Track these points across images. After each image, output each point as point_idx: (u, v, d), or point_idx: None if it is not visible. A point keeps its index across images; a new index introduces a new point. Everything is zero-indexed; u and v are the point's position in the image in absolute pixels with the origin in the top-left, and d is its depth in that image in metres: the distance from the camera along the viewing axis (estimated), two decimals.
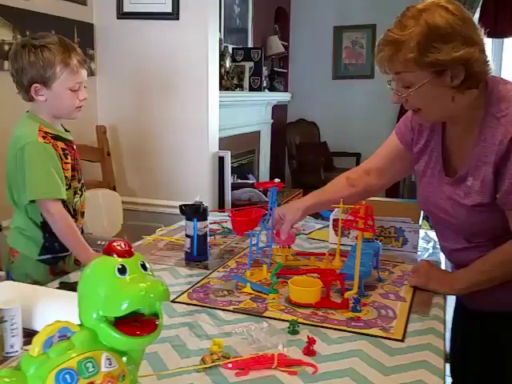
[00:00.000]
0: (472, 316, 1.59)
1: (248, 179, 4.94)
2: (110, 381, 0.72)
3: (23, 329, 1.16)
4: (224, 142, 3.55)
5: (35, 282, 1.60)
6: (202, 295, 1.49)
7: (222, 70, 4.27)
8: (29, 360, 0.70)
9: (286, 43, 6.56)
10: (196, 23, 3.02)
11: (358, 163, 6.08)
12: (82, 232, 1.89)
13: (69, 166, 1.78)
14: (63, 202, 1.74)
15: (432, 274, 1.54)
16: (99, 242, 1.97)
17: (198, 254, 1.78)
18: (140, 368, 0.83)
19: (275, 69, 6.29)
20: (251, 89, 5.03)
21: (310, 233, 2.16)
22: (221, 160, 3.26)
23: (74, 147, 1.86)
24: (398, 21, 1.34)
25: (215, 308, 1.41)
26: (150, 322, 0.77)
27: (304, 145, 6.60)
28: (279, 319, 1.34)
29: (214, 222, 2.20)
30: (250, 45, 5.59)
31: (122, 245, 0.79)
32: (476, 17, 5.50)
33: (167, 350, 1.17)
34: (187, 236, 1.79)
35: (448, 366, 1.67)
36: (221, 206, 3.24)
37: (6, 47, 2.50)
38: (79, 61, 1.73)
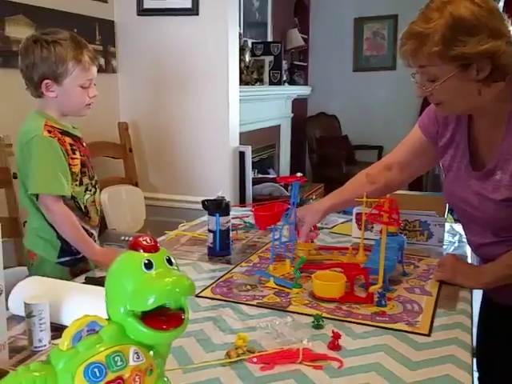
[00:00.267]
0: (499, 310, 1.57)
1: (268, 174, 4.92)
2: (137, 374, 0.72)
3: (51, 323, 1.17)
4: (244, 137, 3.54)
5: None
6: (225, 290, 1.49)
7: (242, 65, 4.27)
8: (58, 354, 0.71)
9: (305, 36, 6.53)
10: (216, 18, 3.02)
11: (380, 156, 6.04)
12: (103, 229, 1.90)
13: (77, 162, 1.76)
14: (73, 198, 1.73)
15: (458, 267, 1.53)
16: (123, 238, 1.98)
17: (220, 249, 1.79)
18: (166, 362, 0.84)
19: (295, 62, 6.27)
20: (271, 83, 5.01)
21: (332, 227, 2.15)
22: (241, 155, 3.26)
23: (84, 144, 1.84)
24: (421, 13, 1.31)
25: (239, 302, 1.41)
26: (176, 317, 0.77)
27: (325, 138, 6.56)
28: (303, 314, 1.34)
29: (236, 217, 2.20)
30: (270, 39, 5.57)
31: (148, 240, 0.79)
32: (500, 5, 5.41)
33: (192, 344, 1.17)
34: (210, 231, 1.79)
35: (475, 360, 1.65)
36: (242, 201, 3.24)
37: None
38: (90, 57, 1.72)
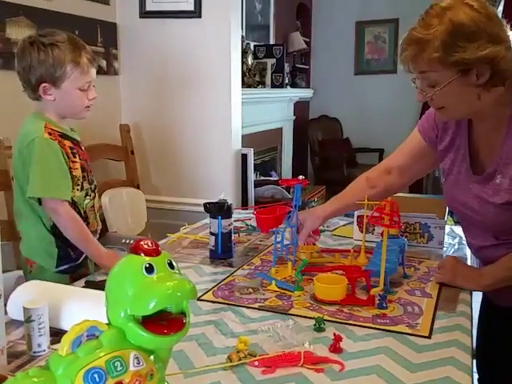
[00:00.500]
0: (498, 312, 1.58)
1: (271, 176, 4.93)
2: (138, 379, 0.72)
3: (50, 328, 1.16)
4: (246, 139, 3.54)
5: None
6: (227, 293, 1.49)
7: (244, 67, 4.27)
8: (57, 359, 0.71)
9: (307, 39, 6.53)
10: (218, 21, 3.02)
11: (381, 159, 6.04)
12: (104, 232, 1.88)
13: (77, 166, 1.72)
14: (74, 202, 1.70)
15: (458, 270, 1.53)
16: (124, 241, 1.97)
17: (222, 252, 1.79)
18: (167, 366, 0.83)
19: (297, 65, 6.27)
20: (273, 85, 5.01)
21: (334, 229, 2.15)
22: (244, 157, 3.26)
23: (82, 148, 1.80)
24: (421, 19, 1.32)
25: (240, 306, 1.41)
26: (178, 321, 0.77)
27: (326, 141, 6.57)
28: (305, 316, 1.34)
29: (238, 220, 2.20)
30: (272, 41, 5.58)
31: (149, 243, 0.79)
32: (500, 9, 5.39)
33: (193, 348, 1.17)
34: (212, 234, 1.79)
35: (474, 361, 1.65)
36: (244, 204, 3.24)
37: None
38: (89, 59, 1.68)
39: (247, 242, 1.99)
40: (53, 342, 1.16)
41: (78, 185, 1.72)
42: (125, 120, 3.28)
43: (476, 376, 1.67)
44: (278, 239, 1.69)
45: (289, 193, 3.68)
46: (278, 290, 1.51)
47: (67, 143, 1.71)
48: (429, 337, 1.24)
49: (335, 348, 1.16)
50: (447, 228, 2.03)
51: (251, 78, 4.49)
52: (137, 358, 0.73)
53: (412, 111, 5.87)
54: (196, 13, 3.03)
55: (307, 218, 1.74)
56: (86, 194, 1.76)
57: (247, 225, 2.18)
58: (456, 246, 1.93)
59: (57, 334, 1.16)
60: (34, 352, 1.14)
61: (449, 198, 1.59)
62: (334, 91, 6.79)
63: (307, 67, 6.77)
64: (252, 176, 3.33)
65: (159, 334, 0.74)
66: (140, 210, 3.05)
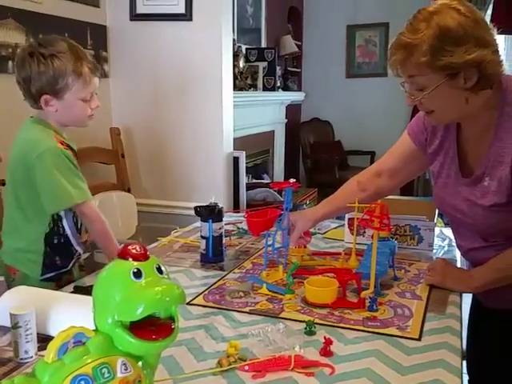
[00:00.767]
0: (488, 314, 1.58)
1: (262, 179, 4.93)
2: None
3: (37, 334, 1.15)
4: (238, 142, 3.54)
5: None
6: (217, 297, 1.49)
7: (236, 71, 4.27)
8: (43, 367, 0.70)
9: (299, 43, 6.55)
10: (209, 24, 3.02)
11: (372, 161, 6.05)
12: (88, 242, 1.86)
13: (80, 175, 1.69)
14: (74, 213, 1.69)
15: (448, 272, 1.54)
16: None
17: (213, 256, 1.78)
18: (156, 372, 0.83)
19: (289, 68, 6.28)
20: (265, 89, 5.02)
21: (325, 232, 2.15)
22: (235, 160, 3.25)
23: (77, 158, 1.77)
24: (409, 24, 1.32)
25: (231, 310, 1.40)
26: (166, 326, 0.77)
27: (318, 144, 6.59)
28: (296, 320, 1.33)
29: (229, 223, 2.19)
30: (264, 45, 5.58)
31: (138, 248, 0.78)
32: (488, 13, 5.43)
33: (183, 354, 1.16)
34: (202, 237, 1.79)
35: (464, 363, 1.66)
36: (235, 207, 3.23)
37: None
38: (91, 69, 1.63)
39: (238, 245, 1.99)
40: (40, 349, 1.15)
41: None
42: (115, 123, 3.26)
43: (466, 378, 1.67)
44: (269, 242, 1.68)
45: (281, 195, 3.68)
46: (268, 293, 1.50)
47: (71, 153, 1.68)
48: (419, 339, 1.24)
49: (326, 351, 1.16)
50: (437, 230, 2.03)
51: (243, 81, 4.50)
52: (124, 364, 0.72)
53: (402, 114, 5.89)
54: (187, 16, 3.03)
55: (298, 220, 1.74)
56: None
57: (238, 228, 2.18)
58: (446, 248, 1.94)
59: (44, 341, 1.14)
60: (21, 359, 1.12)
61: (438, 201, 1.60)
62: (326, 94, 6.80)
63: (299, 70, 6.79)
64: (244, 179, 3.32)
65: (147, 339, 0.74)
66: (131, 213, 3.04)
